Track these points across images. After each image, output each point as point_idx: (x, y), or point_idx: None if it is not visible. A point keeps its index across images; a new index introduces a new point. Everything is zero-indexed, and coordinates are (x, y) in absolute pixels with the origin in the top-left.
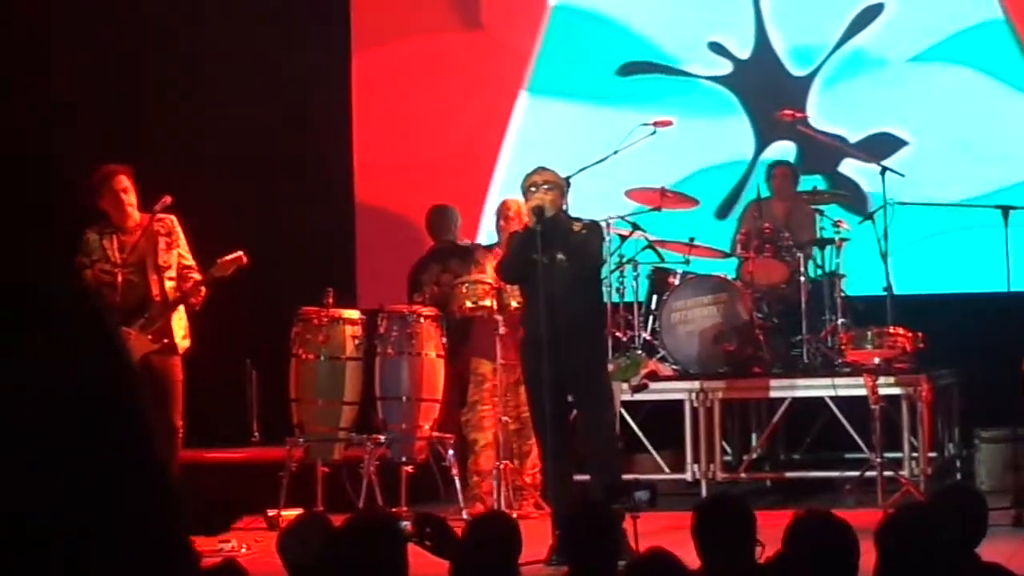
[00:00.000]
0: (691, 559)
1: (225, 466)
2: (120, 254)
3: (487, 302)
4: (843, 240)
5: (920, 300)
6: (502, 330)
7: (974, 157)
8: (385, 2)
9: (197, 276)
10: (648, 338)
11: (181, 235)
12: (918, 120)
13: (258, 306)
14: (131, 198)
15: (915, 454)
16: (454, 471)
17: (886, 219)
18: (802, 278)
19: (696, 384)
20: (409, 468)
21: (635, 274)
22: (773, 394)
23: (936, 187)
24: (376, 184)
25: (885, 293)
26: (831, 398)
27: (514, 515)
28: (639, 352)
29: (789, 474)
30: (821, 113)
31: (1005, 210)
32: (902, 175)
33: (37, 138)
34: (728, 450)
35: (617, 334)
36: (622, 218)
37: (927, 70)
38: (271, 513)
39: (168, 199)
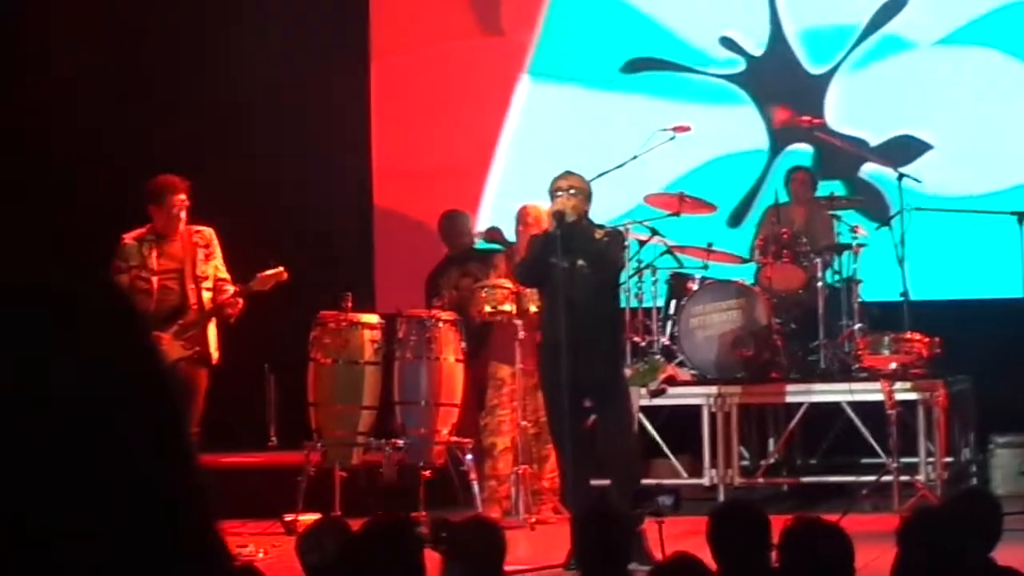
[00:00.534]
0: (708, 564)
1: (243, 470)
2: (160, 260)
3: (507, 307)
4: (860, 246)
5: (937, 306)
6: (521, 334)
7: (1005, 147)
8: (404, 9)
9: (231, 288)
10: (666, 343)
11: (218, 248)
12: (944, 111)
13: (277, 310)
14: (183, 213)
15: (931, 459)
16: (472, 475)
17: (903, 225)
18: (819, 283)
19: (714, 389)
20: (427, 473)
21: (653, 279)
22: (790, 399)
23: (963, 182)
24: (395, 189)
25: (902, 299)
26: (848, 403)
27: (533, 520)
28: (657, 357)
29: (806, 479)
30: (840, 113)
31: (1021, 216)
32: (919, 181)
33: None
34: (746, 455)
35: (635, 339)
36: (641, 223)
37: (954, 54)
38: (288, 518)
39: None
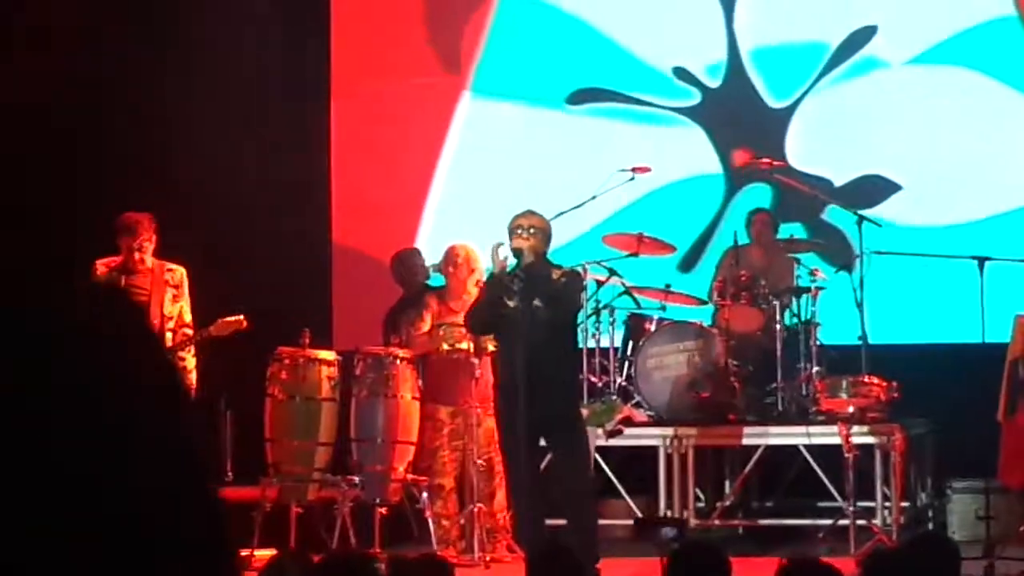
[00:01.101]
0: None
1: None
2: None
3: (464, 344)
4: (819, 289)
5: (895, 350)
6: (478, 372)
7: (977, 176)
8: (365, 46)
9: (189, 332)
10: (623, 384)
11: (187, 290)
12: (913, 135)
13: (236, 345)
14: (149, 247)
15: (888, 503)
16: (428, 513)
17: (862, 268)
18: (778, 326)
19: (670, 430)
20: (383, 510)
21: (611, 320)
22: (747, 441)
23: (937, 211)
24: (354, 226)
25: (860, 342)
26: (805, 446)
27: (488, 558)
28: (614, 398)
29: (762, 521)
30: (802, 146)
31: (981, 261)
32: (879, 225)
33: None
34: (701, 497)
35: (592, 379)
36: (599, 263)
37: (926, 75)
38: (244, 553)
39: None
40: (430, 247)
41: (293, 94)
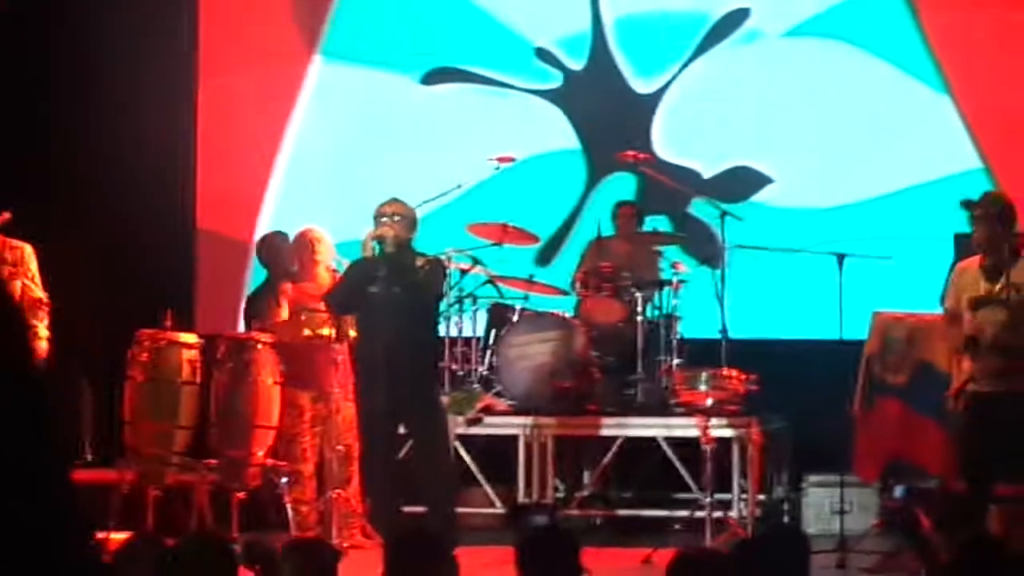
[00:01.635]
0: None
1: None
2: None
3: (325, 331)
4: (681, 282)
5: (755, 344)
6: (339, 358)
7: (857, 155)
8: (232, 30)
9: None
10: (485, 372)
11: (32, 266)
12: (789, 123)
13: (97, 327)
14: None
15: (744, 496)
16: (287, 499)
17: (724, 263)
18: (639, 318)
19: (530, 420)
20: (241, 494)
21: (474, 308)
22: (606, 432)
23: (814, 193)
24: (218, 210)
25: (721, 336)
26: (664, 438)
27: (345, 544)
28: (475, 386)
29: (620, 512)
30: (670, 139)
31: (840, 257)
32: (741, 219)
33: None
34: (560, 486)
35: (454, 367)
36: (462, 252)
37: (799, 47)
38: (101, 536)
39: (7, 215)
40: (280, 227)
41: (159, 79)
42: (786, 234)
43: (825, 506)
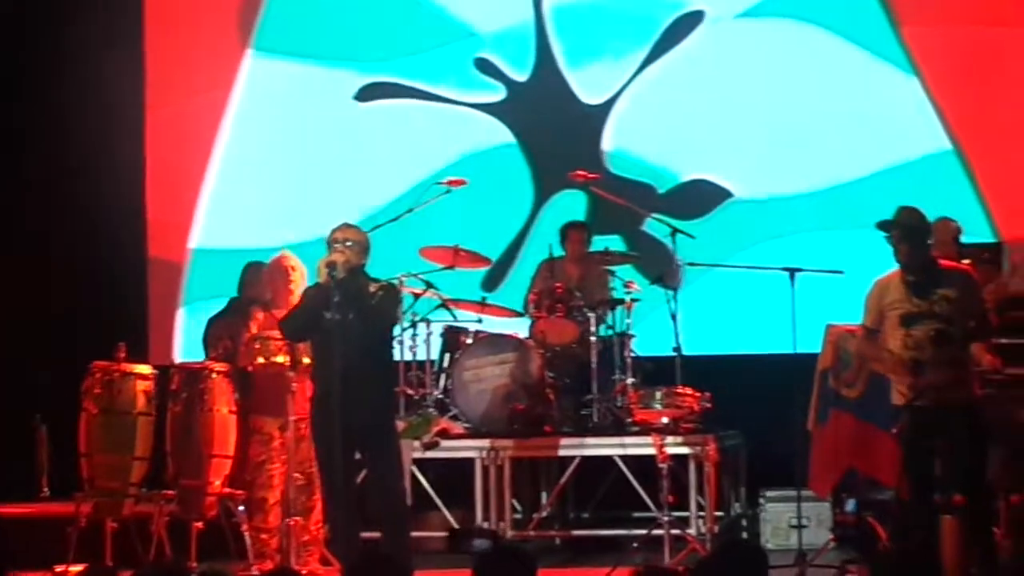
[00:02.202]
0: None
1: (13, 521)
2: None
3: (280, 358)
4: (634, 300)
5: (709, 361)
6: (294, 386)
7: (822, 139)
8: (179, 59)
9: None
10: (440, 396)
11: None
12: (745, 118)
13: (52, 361)
14: None
15: (702, 513)
16: (244, 527)
17: (679, 281)
18: (593, 338)
19: (487, 442)
20: (199, 524)
21: (428, 332)
22: (563, 452)
23: (774, 181)
24: (169, 239)
25: (674, 353)
26: (620, 457)
27: (304, 571)
28: (430, 410)
29: (578, 532)
30: (619, 152)
31: (792, 272)
32: (693, 237)
33: None
34: (518, 508)
35: (409, 392)
36: (415, 276)
37: (753, 28)
38: (59, 569)
39: None
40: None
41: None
42: (757, 225)
43: (783, 521)
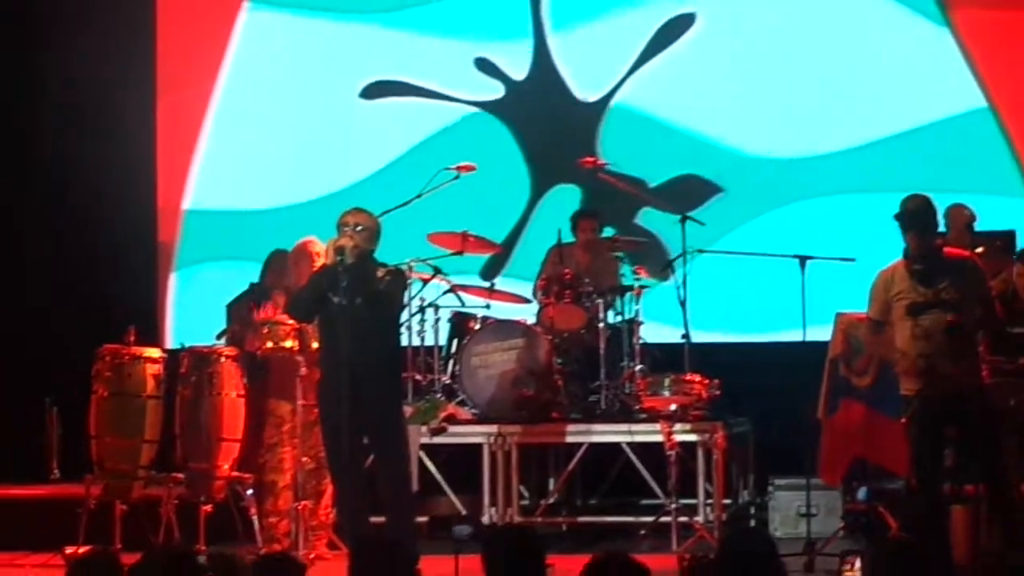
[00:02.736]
0: None
1: (24, 503)
2: None
3: (288, 343)
4: (642, 287)
5: (718, 348)
6: (303, 371)
7: (843, 100)
8: (190, 44)
9: None
10: (448, 382)
11: None
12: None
13: (63, 343)
14: None
15: (709, 500)
16: (253, 511)
17: (685, 267)
18: (601, 324)
19: (494, 428)
20: (208, 507)
21: (436, 318)
22: (570, 439)
23: (801, 142)
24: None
25: (683, 340)
26: (628, 444)
27: (311, 555)
28: (438, 396)
29: (585, 519)
30: (611, 147)
31: (802, 260)
32: (703, 224)
33: None
34: (525, 494)
35: (417, 377)
36: (424, 261)
37: None
38: (69, 551)
39: None
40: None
41: (120, 92)
42: (789, 184)
43: (792, 509)
